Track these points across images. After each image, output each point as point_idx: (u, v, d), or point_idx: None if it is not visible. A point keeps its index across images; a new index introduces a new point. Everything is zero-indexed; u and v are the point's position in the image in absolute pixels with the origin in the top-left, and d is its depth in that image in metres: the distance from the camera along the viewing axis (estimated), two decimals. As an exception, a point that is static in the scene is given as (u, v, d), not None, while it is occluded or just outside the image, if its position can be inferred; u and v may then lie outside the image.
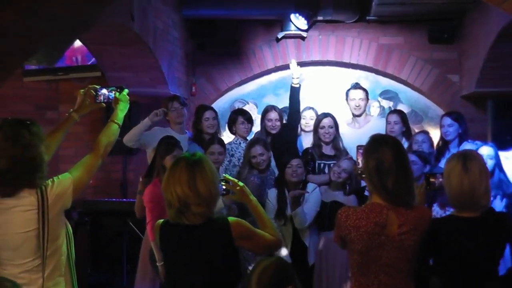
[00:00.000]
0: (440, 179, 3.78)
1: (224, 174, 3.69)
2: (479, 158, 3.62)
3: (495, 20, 6.37)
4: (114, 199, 7.35)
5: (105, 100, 3.81)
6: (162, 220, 3.38)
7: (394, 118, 6.53)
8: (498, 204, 5.25)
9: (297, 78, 6.56)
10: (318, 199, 5.76)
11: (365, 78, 7.98)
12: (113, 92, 3.80)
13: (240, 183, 3.55)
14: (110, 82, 7.14)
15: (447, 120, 6.29)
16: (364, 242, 3.18)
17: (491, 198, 4.96)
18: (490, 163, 5.28)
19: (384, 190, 3.19)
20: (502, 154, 5.70)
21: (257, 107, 8.23)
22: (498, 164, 5.41)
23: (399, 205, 3.21)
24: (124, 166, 7.81)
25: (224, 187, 3.52)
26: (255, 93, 8.32)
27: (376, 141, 3.35)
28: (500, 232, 3.55)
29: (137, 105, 7.45)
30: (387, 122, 6.55)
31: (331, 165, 6.18)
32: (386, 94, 8.16)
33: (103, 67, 7.02)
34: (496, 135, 6.89)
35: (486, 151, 5.43)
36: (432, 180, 3.89)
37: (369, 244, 3.18)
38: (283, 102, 7.84)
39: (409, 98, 8.10)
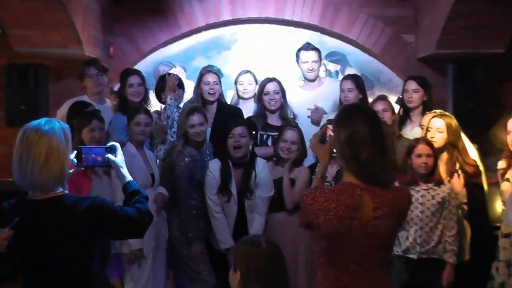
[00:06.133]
0: None
1: None
2: None
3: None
4: None
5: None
6: None
7: (348, 84, 6.46)
8: None
9: None
10: (270, 180, 5.73)
11: (309, 38, 7.83)
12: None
13: None
14: (13, 40, 6.93)
15: (412, 85, 6.24)
16: (333, 227, 3.08)
17: None
18: None
19: (357, 164, 3.12)
20: None
21: (185, 71, 8.09)
22: None
23: (374, 185, 3.14)
24: (30, 139, 7.49)
25: None
26: (182, 55, 8.14)
27: (349, 109, 3.32)
28: None
29: (45, 69, 7.31)
30: (341, 90, 6.49)
31: (276, 137, 6.11)
32: (333, 56, 8.10)
33: (4, 24, 6.76)
34: (457, 102, 6.93)
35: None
36: None
37: (339, 230, 3.09)
38: (216, 65, 7.78)
39: (359, 61, 8.07)
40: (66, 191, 3.23)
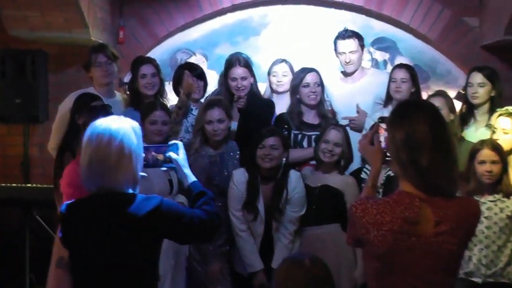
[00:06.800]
0: None
1: None
2: None
3: None
4: (12, 184, 7.17)
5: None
6: None
7: (402, 74, 6.37)
8: None
9: None
10: (304, 197, 5.70)
11: (353, 22, 7.91)
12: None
13: None
14: (7, 23, 6.99)
15: (478, 77, 6.18)
16: (387, 245, 3.06)
17: None
18: None
19: (416, 170, 3.08)
20: None
21: (207, 59, 8.16)
22: None
23: (436, 195, 3.11)
24: (26, 138, 7.59)
25: None
26: (204, 41, 8.21)
27: (407, 105, 3.29)
28: None
29: (44, 56, 7.32)
30: (392, 80, 6.40)
31: (313, 137, 6.11)
32: (381, 43, 8.13)
33: (-2, 3, 6.83)
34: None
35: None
36: None
37: (394, 248, 3.06)
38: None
39: (411, 49, 8.08)
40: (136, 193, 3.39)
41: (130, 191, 3.35)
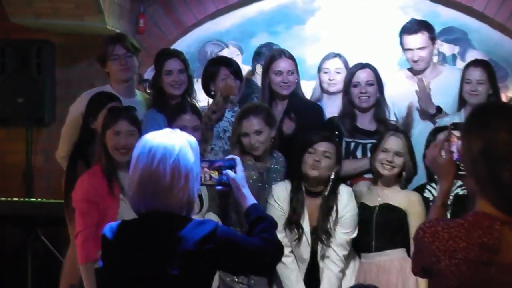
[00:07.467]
0: None
1: None
2: None
3: None
4: (12, 198, 7.22)
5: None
6: None
7: (477, 74, 6.31)
8: None
9: None
10: (355, 217, 5.66)
11: (416, 9, 7.94)
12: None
13: None
14: (10, 8, 7.07)
15: None
16: (461, 277, 3.02)
17: None
18: None
19: (497, 187, 3.03)
20: None
21: (241, 53, 8.23)
22: None
23: None
24: (29, 144, 7.62)
25: None
26: (238, 31, 8.29)
27: (486, 110, 3.22)
28: None
29: (52, 48, 7.35)
30: (466, 81, 6.34)
31: (368, 146, 6.08)
32: (449, 34, 8.13)
33: (4, -11, 6.93)
34: None
35: None
36: None
37: (469, 280, 3.03)
38: (284, 45, 7.72)
39: (486, 41, 8.07)
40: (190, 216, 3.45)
41: (184, 214, 3.39)
